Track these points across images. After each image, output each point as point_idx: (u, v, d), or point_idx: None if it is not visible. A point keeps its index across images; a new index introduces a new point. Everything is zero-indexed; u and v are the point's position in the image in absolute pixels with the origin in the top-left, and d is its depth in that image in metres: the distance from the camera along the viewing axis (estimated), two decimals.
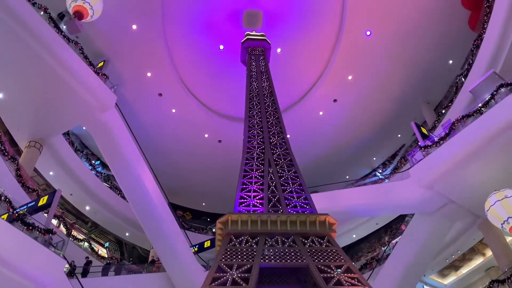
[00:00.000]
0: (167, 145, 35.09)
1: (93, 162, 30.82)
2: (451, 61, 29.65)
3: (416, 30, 28.89)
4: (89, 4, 20.93)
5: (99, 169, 30.91)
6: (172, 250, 21.99)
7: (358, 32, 30.39)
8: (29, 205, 15.64)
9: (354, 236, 32.64)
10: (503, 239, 20.39)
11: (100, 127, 21.96)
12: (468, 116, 17.79)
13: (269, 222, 14.69)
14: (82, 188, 27.07)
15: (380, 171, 36.12)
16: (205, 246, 25.23)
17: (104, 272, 21.51)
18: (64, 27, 21.20)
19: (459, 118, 18.13)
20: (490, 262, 23.76)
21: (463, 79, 24.85)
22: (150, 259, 27.20)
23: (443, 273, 26.04)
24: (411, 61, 30.55)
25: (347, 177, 35.66)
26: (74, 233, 24.07)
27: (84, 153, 29.99)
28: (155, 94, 32.57)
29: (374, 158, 37.23)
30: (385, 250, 25.05)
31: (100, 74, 21.99)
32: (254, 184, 17.30)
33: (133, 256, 32.22)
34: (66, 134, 26.88)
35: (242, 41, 31.33)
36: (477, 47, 22.96)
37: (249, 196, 16.50)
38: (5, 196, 14.58)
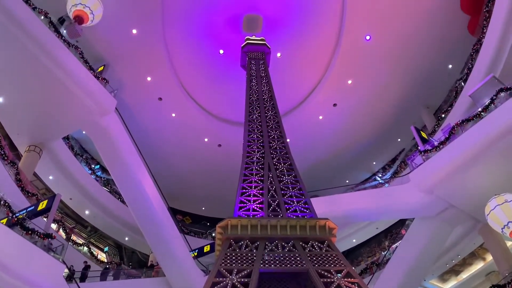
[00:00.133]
0: (167, 149, 35.08)
1: (93, 166, 30.78)
2: (450, 66, 29.69)
3: (415, 34, 28.95)
4: (90, 9, 20.98)
5: (99, 173, 30.86)
6: (171, 255, 21.93)
7: (358, 37, 30.45)
8: (29, 209, 15.61)
9: (354, 240, 32.59)
10: (504, 243, 20.35)
11: (100, 131, 21.97)
12: (467, 120, 17.79)
13: (269, 226, 14.65)
14: (81, 192, 27.03)
15: (380, 175, 36.09)
16: (205, 250, 25.16)
17: (103, 276, 21.40)
18: (65, 31, 21.22)
19: (458, 122, 18.13)
20: (491, 266, 23.70)
21: (462, 83, 24.90)
22: (149, 263, 27.12)
23: (443, 277, 25.98)
24: (411, 65, 30.59)
25: (347, 181, 35.64)
26: (73, 237, 24.00)
27: (83, 157, 29.98)
28: (155, 99, 32.61)
29: (374, 163, 37.21)
30: (385, 255, 25.00)
31: (100, 78, 22.01)
32: (254, 189, 17.26)
33: (132, 261, 32.12)
34: (66, 139, 26.87)
35: (242, 45, 31.40)
36: (477, 51, 23.01)
37: (249, 201, 16.46)
38: (5, 201, 14.55)
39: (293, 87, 33.89)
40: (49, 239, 14.26)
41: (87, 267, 20.98)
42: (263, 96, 25.68)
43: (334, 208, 20.87)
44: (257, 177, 18.08)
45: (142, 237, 23.69)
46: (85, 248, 24.94)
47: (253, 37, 31.63)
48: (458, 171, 17.39)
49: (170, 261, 22.01)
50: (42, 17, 19.35)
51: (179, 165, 36.00)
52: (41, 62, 18.92)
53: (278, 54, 33.12)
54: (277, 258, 13.45)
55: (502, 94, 16.87)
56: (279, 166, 19.05)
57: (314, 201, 17.40)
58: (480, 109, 17.41)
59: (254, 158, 19.55)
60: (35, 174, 24.15)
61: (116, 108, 22.62)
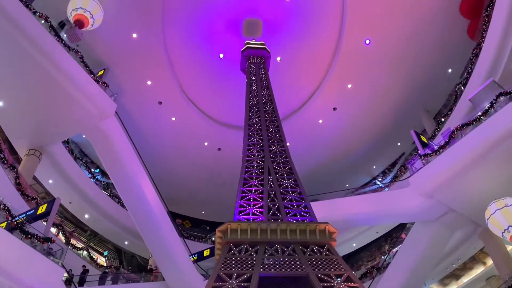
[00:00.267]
0: (167, 153, 35.08)
1: (93, 170, 30.77)
2: (450, 70, 29.74)
3: (415, 38, 29.03)
4: (90, 13, 20.99)
5: (99, 177, 30.84)
6: (171, 259, 21.88)
7: (358, 41, 30.51)
8: (28, 213, 15.60)
9: (354, 244, 32.53)
10: (504, 248, 20.31)
11: (99, 135, 21.95)
12: (467, 124, 17.78)
13: (268, 230, 14.61)
14: (81, 196, 27.02)
15: (380, 179, 36.07)
16: (205, 254, 25.14)
17: (101, 281, 21.32)
18: (65, 35, 21.25)
19: (458, 126, 18.13)
20: (491, 271, 23.64)
21: (462, 87, 24.94)
22: (148, 267, 27.05)
23: (443, 282, 25.92)
24: (411, 69, 30.64)
25: (347, 185, 35.61)
26: (73, 241, 23.91)
27: (83, 161, 29.96)
28: (155, 102, 32.64)
29: (374, 167, 37.21)
30: (385, 259, 24.96)
31: (100, 82, 22.03)
32: (254, 193, 17.23)
33: (132, 265, 32.04)
34: (66, 142, 26.87)
35: (242, 49, 31.44)
36: (476, 55, 23.06)
37: (249, 205, 16.42)
38: (4, 204, 14.52)
39: (293, 91, 33.93)
40: (49, 243, 14.23)
41: (85, 271, 20.91)
42: (263, 100, 25.69)
43: (334, 212, 20.79)
44: (257, 181, 18.05)
45: (141, 241, 23.63)
46: (85, 252, 24.87)
47: (253, 41, 31.68)
48: (458, 175, 17.37)
49: (170, 265, 21.95)
50: (43, 21, 19.40)
51: (179, 169, 35.98)
52: (41, 65, 18.93)
53: (278, 58, 33.18)
54: (277, 262, 13.40)
55: (501, 98, 16.88)
56: (279, 170, 19.03)
57: (314, 205, 17.35)
58: (480, 113, 17.40)
59: (254, 162, 19.52)
60: (34, 178, 24.13)
61: (116, 112, 22.61)
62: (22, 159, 22.45)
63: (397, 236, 27.62)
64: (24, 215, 15.23)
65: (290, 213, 16.08)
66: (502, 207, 14.26)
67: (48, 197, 25.31)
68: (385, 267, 23.42)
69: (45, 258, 13.73)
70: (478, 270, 24.93)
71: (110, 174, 22.98)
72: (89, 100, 20.82)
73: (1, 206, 14.40)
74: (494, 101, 17.02)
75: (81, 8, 20.68)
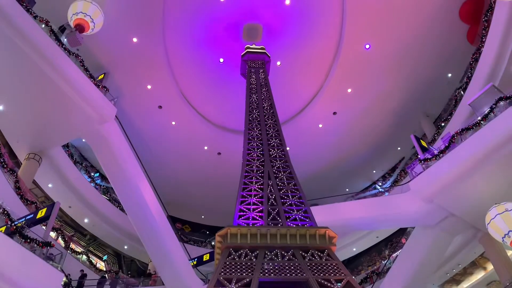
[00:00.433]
0: (167, 158, 35.06)
1: (92, 174, 30.75)
2: (450, 74, 29.80)
3: (415, 43, 29.08)
4: (90, 17, 21.03)
5: (98, 181, 30.82)
6: (170, 263, 21.81)
7: (358, 45, 30.55)
8: (28, 217, 15.55)
9: (354, 249, 32.45)
10: (504, 252, 20.24)
11: (99, 139, 21.96)
12: (467, 129, 17.82)
13: (268, 235, 14.58)
14: (81, 200, 26.95)
15: (380, 184, 36.07)
16: (204, 259, 25.05)
17: (100, 285, 21.28)
18: (65, 40, 21.29)
19: (458, 131, 18.15)
20: (491, 276, 23.56)
21: (462, 92, 24.98)
22: (148, 272, 26.96)
23: (444, 287, 25.82)
24: (411, 74, 30.68)
25: (347, 190, 35.59)
26: (72, 246, 23.86)
27: (83, 165, 29.93)
28: (155, 107, 32.65)
29: (374, 171, 37.18)
30: (385, 264, 24.90)
31: (100, 86, 22.07)
32: (254, 197, 17.22)
33: (131, 269, 31.96)
34: (66, 146, 26.85)
35: (242, 54, 31.50)
36: (476, 60, 23.11)
37: (249, 209, 16.41)
38: (4, 209, 14.50)
39: (293, 95, 33.96)
40: (48, 248, 14.20)
41: (83, 276, 20.87)
42: (263, 104, 25.72)
43: (334, 217, 20.76)
44: (257, 185, 18.04)
45: (141, 245, 23.57)
46: (84, 257, 24.80)
47: (253, 46, 31.74)
48: (458, 180, 17.36)
49: (169, 269, 21.88)
50: (43, 26, 19.44)
51: (179, 173, 35.94)
52: (41, 70, 18.95)
53: (278, 63, 33.23)
54: (276, 267, 13.36)
55: (501, 103, 16.92)
56: (278, 174, 19.01)
57: (314, 210, 17.35)
58: (479, 118, 17.43)
59: (254, 167, 19.52)
60: (34, 182, 24.10)
61: (116, 116, 22.65)
62: (22, 163, 22.44)
63: (397, 241, 27.58)
64: (23, 219, 15.19)
65: (290, 217, 16.06)
66: (503, 212, 14.21)
67: (47, 201, 25.27)
68: (385, 272, 23.37)
69: (44, 262, 13.68)
70: (478, 275, 24.85)
71: (109, 178, 22.97)
72: (89, 104, 20.85)
73: (1, 210, 14.37)
74: (494, 106, 17.05)
75: (81, 12, 20.71)
